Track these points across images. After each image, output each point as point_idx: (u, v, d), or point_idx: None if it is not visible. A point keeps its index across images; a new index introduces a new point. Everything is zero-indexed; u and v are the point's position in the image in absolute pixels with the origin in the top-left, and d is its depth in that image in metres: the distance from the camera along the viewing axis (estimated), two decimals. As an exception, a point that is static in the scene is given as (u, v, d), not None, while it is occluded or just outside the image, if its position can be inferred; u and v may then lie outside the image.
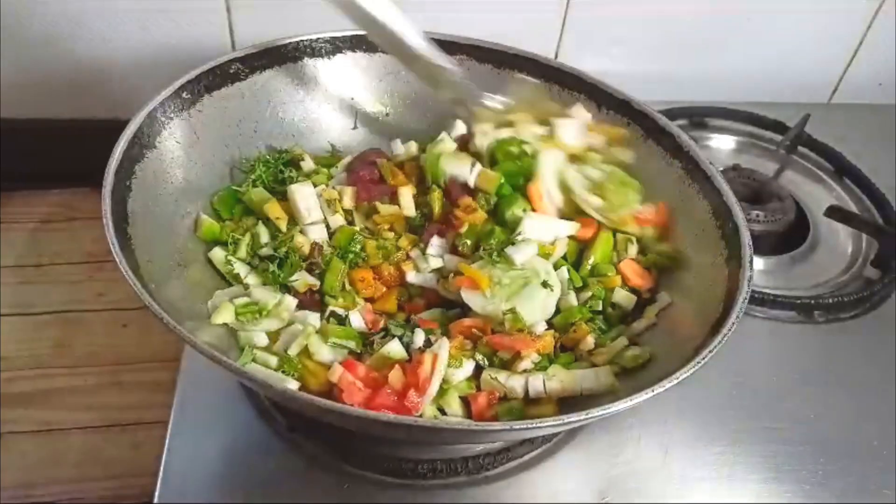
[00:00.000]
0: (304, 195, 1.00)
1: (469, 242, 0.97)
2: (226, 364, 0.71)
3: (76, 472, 1.13)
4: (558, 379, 0.87)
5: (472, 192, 1.02)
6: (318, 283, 0.94)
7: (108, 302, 1.32)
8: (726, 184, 0.96)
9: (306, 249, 0.96)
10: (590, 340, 0.92)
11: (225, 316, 0.90)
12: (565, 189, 1.02)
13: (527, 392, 0.86)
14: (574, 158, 1.05)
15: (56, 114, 1.38)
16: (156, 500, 0.85)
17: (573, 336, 0.93)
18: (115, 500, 1.11)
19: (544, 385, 0.86)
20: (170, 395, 0.94)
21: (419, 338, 0.88)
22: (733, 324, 0.81)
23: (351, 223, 1.02)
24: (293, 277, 0.94)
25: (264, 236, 0.98)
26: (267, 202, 0.99)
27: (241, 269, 0.96)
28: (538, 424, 0.72)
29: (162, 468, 0.87)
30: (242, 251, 0.97)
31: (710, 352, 0.78)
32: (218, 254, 0.97)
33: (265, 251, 0.97)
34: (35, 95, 1.36)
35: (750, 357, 1.07)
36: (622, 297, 0.97)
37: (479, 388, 0.87)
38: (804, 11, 1.45)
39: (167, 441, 0.90)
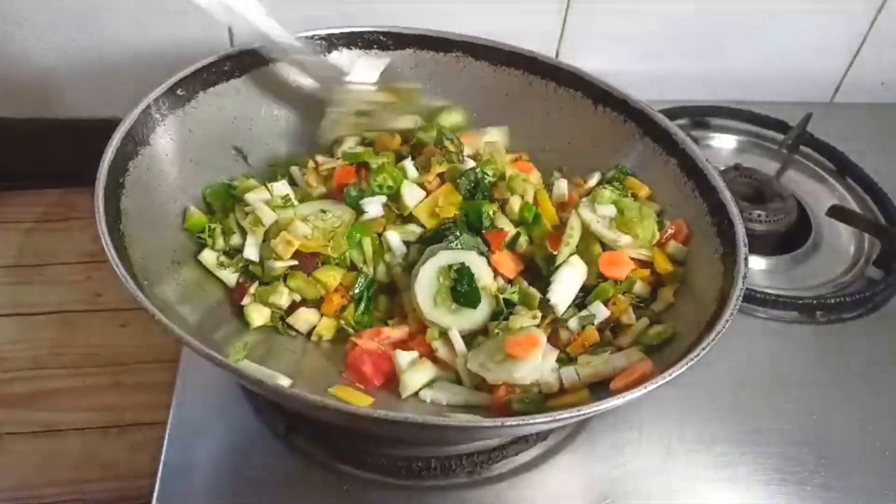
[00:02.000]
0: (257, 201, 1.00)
1: None
2: (218, 361, 0.71)
3: (74, 473, 1.12)
4: (591, 365, 0.87)
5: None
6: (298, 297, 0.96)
7: (105, 302, 1.31)
8: (722, 180, 0.96)
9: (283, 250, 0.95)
10: (631, 313, 0.94)
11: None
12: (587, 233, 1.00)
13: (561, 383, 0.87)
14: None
15: (53, 113, 1.38)
16: (154, 502, 0.84)
17: (613, 311, 0.94)
18: (113, 501, 1.11)
19: (577, 374, 0.87)
20: (168, 395, 0.93)
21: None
22: (727, 321, 0.81)
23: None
24: (273, 299, 0.95)
25: (236, 232, 0.99)
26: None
27: (230, 276, 0.97)
28: (530, 421, 0.72)
29: (160, 469, 0.87)
30: (220, 242, 0.98)
31: (703, 349, 0.77)
32: (208, 256, 0.97)
33: (235, 240, 0.98)
34: (31, 94, 1.36)
35: (751, 357, 1.07)
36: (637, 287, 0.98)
37: None
38: (806, 10, 1.44)
39: (165, 442, 0.89)
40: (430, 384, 0.90)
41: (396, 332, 0.94)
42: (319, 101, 1.12)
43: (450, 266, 0.94)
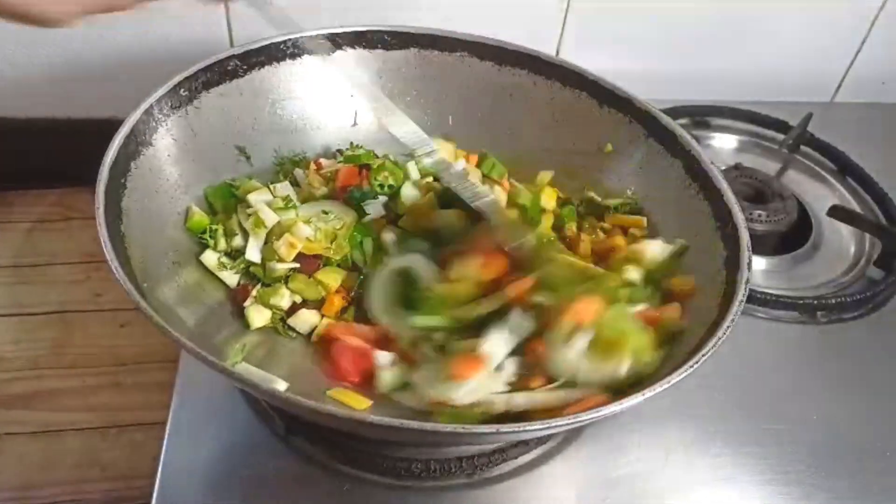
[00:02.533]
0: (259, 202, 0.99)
1: None
2: (214, 365, 0.71)
3: (74, 473, 1.12)
4: (544, 392, 0.84)
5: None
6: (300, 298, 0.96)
7: (105, 302, 1.31)
8: (727, 184, 0.95)
9: (286, 252, 0.95)
10: None
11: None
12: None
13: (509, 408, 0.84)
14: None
15: (53, 113, 1.38)
16: (153, 502, 0.84)
17: None
18: (113, 502, 1.10)
19: (528, 401, 0.84)
20: (168, 395, 0.93)
21: None
22: (728, 327, 0.80)
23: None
24: (274, 300, 0.95)
25: (238, 234, 0.99)
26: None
27: (231, 277, 0.97)
28: (526, 428, 0.71)
29: (159, 470, 0.87)
30: (221, 243, 0.98)
31: (703, 355, 0.77)
32: (209, 258, 0.97)
33: (237, 242, 0.98)
34: (31, 94, 1.36)
35: (751, 358, 1.06)
36: None
37: None
38: (807, 9, 1.44)
39: (165, 442, 0.89)
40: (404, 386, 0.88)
41: (366, 329, 0.93)
42: (320, 100, 1.12)
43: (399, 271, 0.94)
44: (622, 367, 0.82)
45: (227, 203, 1.01)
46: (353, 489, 0.88)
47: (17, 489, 1.09)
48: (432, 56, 1.13)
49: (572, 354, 0.83)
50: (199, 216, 0.98)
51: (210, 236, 0.97)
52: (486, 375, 0.84)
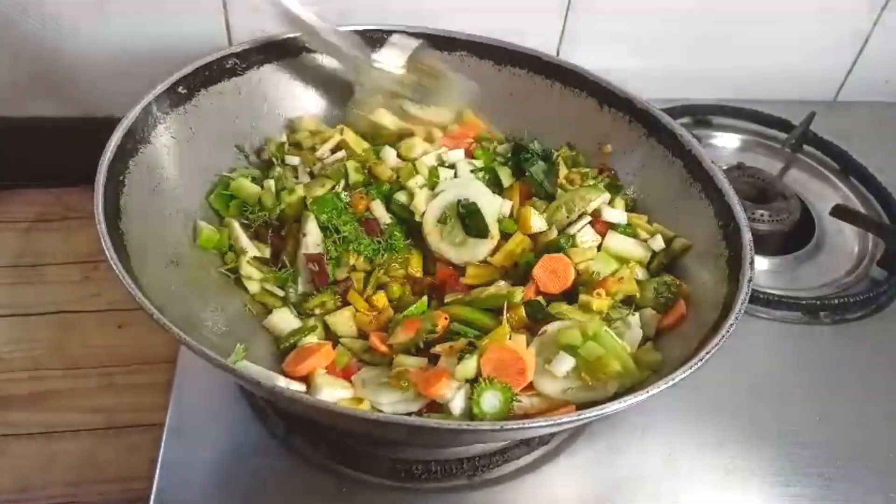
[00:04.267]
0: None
1: None
2: (216, 361, 0.71)
3: (71, 475, 1.11)
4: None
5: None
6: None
7: (103, 302, 1.31)
8: (728, 183, 0.95)
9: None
10: None
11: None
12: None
13: None
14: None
15: (51, 112, 1.37)
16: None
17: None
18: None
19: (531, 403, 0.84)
20: (166, 397, 0.93)
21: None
22: (731, 325, 0.80)
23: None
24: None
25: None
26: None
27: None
28: (529, 425, 0.72)
29: (157, 471, 0.86)
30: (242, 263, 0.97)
31: (707, 353, 0.77)
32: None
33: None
34: (29, 94, 1.35)
35: (754, 358, 1.06)
36: None
37: None
38: (810, 8, 1.44)
39: (162, 444, 0.89)
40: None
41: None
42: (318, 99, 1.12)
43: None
44: (609, 387, 0.83)
45: (227, 203, 1.00)
46: (352, 490, 0.88)
47: (13, 491, 1.09)
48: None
49: (558, 377, 0.84)
50: (208, 232, 0.96)
51: (230, 261, 0.97)
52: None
